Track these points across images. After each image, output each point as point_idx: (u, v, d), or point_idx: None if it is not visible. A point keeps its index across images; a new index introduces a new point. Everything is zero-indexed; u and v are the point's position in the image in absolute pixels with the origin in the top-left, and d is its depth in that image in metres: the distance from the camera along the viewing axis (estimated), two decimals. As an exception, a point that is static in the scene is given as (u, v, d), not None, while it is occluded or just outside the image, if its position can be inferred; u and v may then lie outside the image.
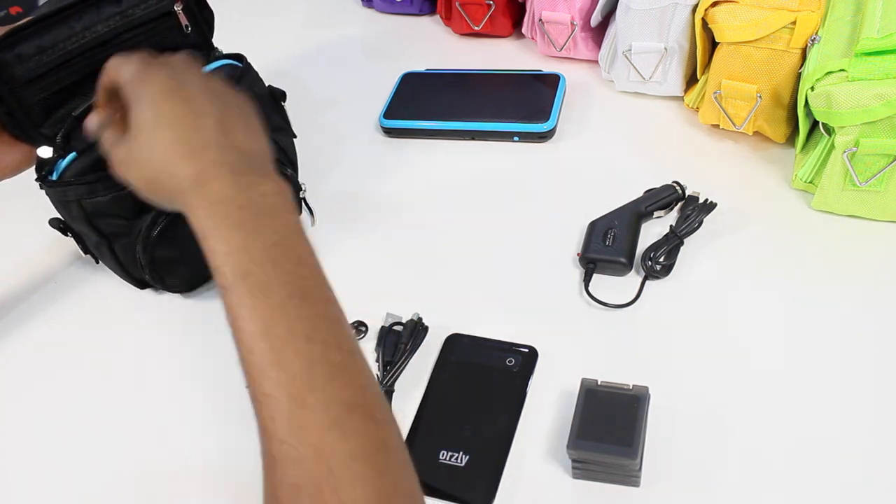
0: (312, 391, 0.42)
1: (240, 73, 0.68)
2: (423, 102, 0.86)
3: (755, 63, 0.69)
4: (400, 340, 0.63)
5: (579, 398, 0.54)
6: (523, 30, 0.92)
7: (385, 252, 0.73)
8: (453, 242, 0.72)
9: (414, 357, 0.62)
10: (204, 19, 0.70)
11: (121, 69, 0.55)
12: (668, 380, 0.58)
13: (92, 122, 0.58)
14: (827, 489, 0.52)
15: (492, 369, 0.61)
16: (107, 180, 0.63)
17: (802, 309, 0.62)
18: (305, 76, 0.95)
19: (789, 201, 0.71)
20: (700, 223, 0.68)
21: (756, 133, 0.75)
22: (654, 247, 0.67)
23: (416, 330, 0.63)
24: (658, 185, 0.71)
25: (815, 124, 0.69)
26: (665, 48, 0.77)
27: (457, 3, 0.92)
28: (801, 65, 0.68)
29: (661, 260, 0.66)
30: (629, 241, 0.67)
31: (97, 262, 0.72)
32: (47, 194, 0.64)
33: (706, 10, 0.70)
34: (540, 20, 0.87)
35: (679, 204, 0.71)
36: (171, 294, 0.72)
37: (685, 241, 0.67)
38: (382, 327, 0.64)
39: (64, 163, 0.63)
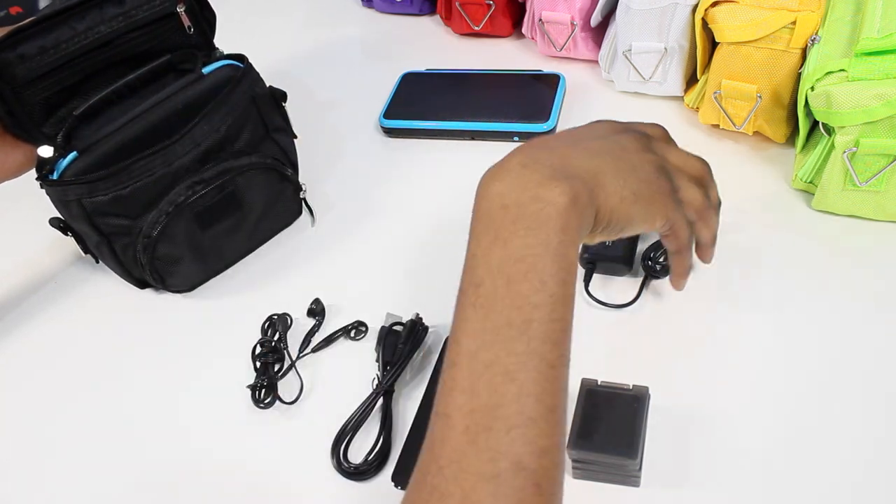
0: (488, 432, 0.39)
1: (241, 73, 0.68)
2: (423, 102, 0.86)
3: (755, 63, 0.69)
4: (400, 340, 0.63)
5: (579, 398, 0.54)
6: (523, 30, 0.92)
7: (385, 252, 0.73)
8: (453, 242, 0.72)
9: (414, 357, 0.62)
10: (205, 20, 0.71)
11: None
12: (668, 380, 0.58)
13: None
14: (827, 489, 0.52)
15: (492, 369, 0.61)
16: (107, 179, 0.63)
17: (802, 309, 0.62)
18: (306, 76, 0.95)
19: (789, 201, 0.71)
20: (700, 223, 0.68)
21: (756, 133, 0.75)
22: (654, 247, 0.67)
23: (416, 330, 0.63)
24: (658, 185, 0.71)
25: (815, 124, 0.69)
26: (665, 48, 0.77)
27: (457, 3, 0.92)
28: (801, 65, 0.68)
29: (661, 260, 0.66)
30: (629, 241, 0.67)
31: (97, 262, 0.72)
32: (48, 193, 0.65)
33: (706, 10, 0.70)
34: (540, 20, 0.87)
35: (679, 204, 0.71)
36: (171, 294, 0.72)
37: (685, 241, 0.67)
38: (382, 327, 0.64)
39: (64, 162, 0.63)
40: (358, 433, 0.58)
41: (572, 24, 0.85)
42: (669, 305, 0.64)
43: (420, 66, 0.91)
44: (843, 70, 0.61)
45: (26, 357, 0.69)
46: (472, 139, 0.83)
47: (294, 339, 0.66)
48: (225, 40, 0.73)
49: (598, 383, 0.54)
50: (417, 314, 0.64)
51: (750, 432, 0.55)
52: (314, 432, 0.59)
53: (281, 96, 0.73)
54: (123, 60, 0.66)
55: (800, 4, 0.66)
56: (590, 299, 0.65)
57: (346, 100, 0.91)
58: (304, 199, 0.76)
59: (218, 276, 0.73)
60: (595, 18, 0.83)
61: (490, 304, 0.42)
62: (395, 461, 0.57)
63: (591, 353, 0.61)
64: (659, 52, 0.78)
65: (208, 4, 0.70)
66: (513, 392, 0.40)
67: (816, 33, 0.66)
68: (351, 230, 0.75)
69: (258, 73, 0.71)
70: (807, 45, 0.66)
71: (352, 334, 0.66)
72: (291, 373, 0.64)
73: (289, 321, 0.67)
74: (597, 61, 0.87)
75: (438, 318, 0.64)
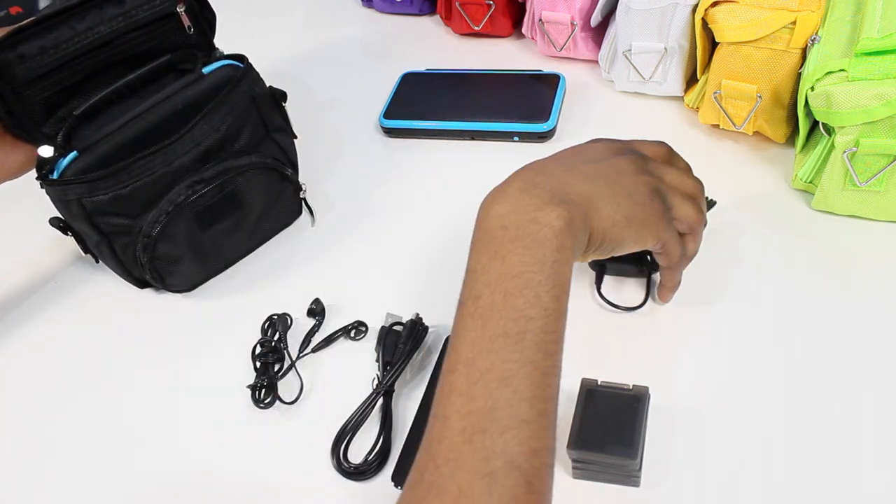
0: (483, 433, 0.41)
1: (241, 73, 0.68)
2: (423, 102, 0.86)
3: (755, 63, 0.69)
4: (400, 340, 0.63)
5: (579, 398, 0.54)
6: (523, 30, 0.92)
7: (385, 252, 0.73)
8: (454, 242, 0.72)
9: (414, 357, 0.62)
10: (205, 20, 0.71)
11: None
12: (668, 380, 0.58)
13: None
14: (827, 489, 0.52)
15: (492, 369, 0.61)
16: (107, 179, 0.63)
17: (802, 309, 0.62)
18: (306, 76, 0.95)
19: (789, 201, 0.71)
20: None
21: (756, 133, 0.75)
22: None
23: (416, 330, 0.63)
24: (658, 185, 0.71)
25: (815, 124, 0.69)
26: (665, 48, 0.77)
27: (457, 3, 0.92)
28: (801, 65, 0.68)
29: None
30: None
31: (97, 262, 0.72)
32: (48, 193, 0.65)
33: (706, 10, 0.70)
34: (540, 20, 0.87)
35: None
36: (171, 294, 0.72)
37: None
38: (382, 327, 0.64)
39: (65, 162, 0.63)
40: (358, 433, 0.58)
41: (572, 24, 0.85)
42: (669, 305, 0.64)
43: (420, 66, 0.91)
44: (843, 70, 0.61)
45: (26, 357, 0.69)
46: (472, 139, 0.83)
47: (294, 339, 0.66)
48: (225, 40, 0.73)
49: (598, 383, 0.54)
50: (417, 314, 0.64)
51: (750, 432, 0.55)
52: (314, 432, 0.59)
53: (281, 96, 0.73)
54: (123, 60, 0.66)
55: (800, 4, 0.66)
56: (589, 299, 0.65)
57: (346, 100, 0.91)
58: (304, 199, 0.76)
59: (218, 276, 0.73)
60: (595, 18, 0.83)
61: (488, 315, 0.45)
62: (395, 461, 0.57)
63: (592, 353, 0.61)
64: (659, 52, 0.78)
65: (208, 4, 0.70)
66: (507, 396, 0.42)
67: (816, 33, 0.66)
68: (351, 230, 0.75)
69: (258, 73, 0.71)
70: (807, 45, 0.66)
71: (352, 334, 0.66)
72: (291, 373, 0.64)
73: (289, 321, 0.67)
74: (597, 61, 0.87)
75: (438, 318, 0.64)
